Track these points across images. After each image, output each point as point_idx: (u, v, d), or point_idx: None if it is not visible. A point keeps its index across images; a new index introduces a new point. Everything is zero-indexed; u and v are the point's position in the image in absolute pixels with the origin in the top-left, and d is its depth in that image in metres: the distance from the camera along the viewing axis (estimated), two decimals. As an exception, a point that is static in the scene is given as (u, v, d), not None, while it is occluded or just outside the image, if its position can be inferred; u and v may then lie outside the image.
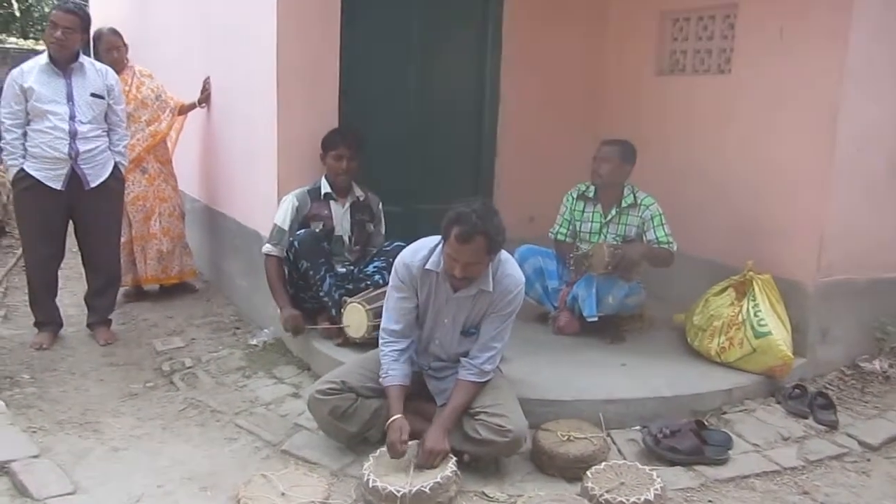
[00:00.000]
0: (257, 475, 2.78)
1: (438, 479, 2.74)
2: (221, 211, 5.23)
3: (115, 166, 4.29)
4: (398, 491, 2.69)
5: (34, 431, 3.27)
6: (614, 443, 3.22)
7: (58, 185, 4.08)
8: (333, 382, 3.06)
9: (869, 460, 3.22)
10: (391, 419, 2.91)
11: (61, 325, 4.48)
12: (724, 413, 3.49)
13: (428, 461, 2.82)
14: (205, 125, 5.43)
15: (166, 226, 5.13)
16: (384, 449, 2.90)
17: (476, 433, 2.92)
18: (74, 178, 4.11)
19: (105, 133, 4.24)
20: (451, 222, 2.85)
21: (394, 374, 3.01)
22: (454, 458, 2.88)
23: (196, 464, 3.07)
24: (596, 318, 3.86)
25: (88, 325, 4.53)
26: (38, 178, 4.04)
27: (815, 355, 3.91)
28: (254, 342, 4.29)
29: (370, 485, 2.74)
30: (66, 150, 4.04)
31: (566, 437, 3.03)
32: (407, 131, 4.68)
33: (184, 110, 5.33)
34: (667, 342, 4.07)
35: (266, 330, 4.35)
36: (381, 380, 3.02)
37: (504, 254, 3.07)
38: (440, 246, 2.99)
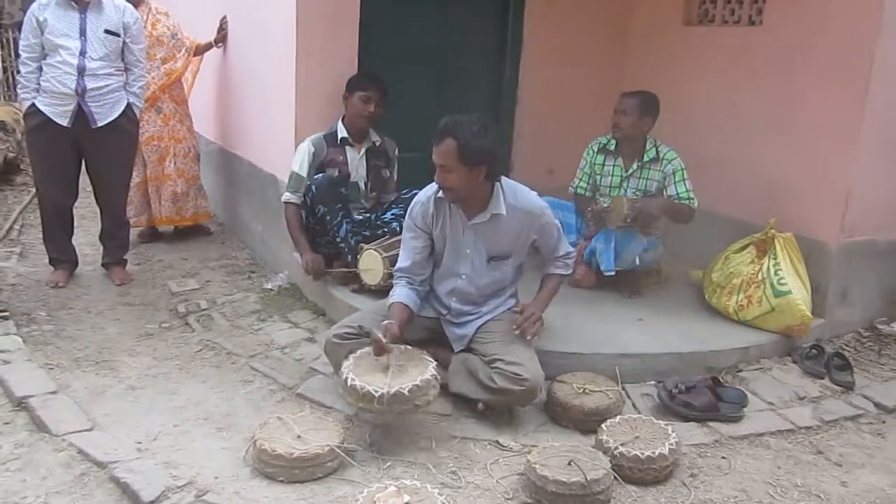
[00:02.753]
0: (273, 417, 2.79)
1: (418, 382, 2.69)
2: (236, 153, 5.18)
3: (128, 106, 4.23)
4: (376, 391, 2.66)
5: (51, 368, 3.30)
6: (629, 397, 3.21)
7: (64, 122, 4.04)
8: (350, 327, 3.05)
9: (884, 422, 3.21)
10: (384, 323, 2.89)
11: (76, 263, 4.49)
12: (740, 371, 3.47)
13: (528, 325, 2.97)
14: (221, 66, 5.35)
15: (181, 167, 5.10)
16: (365, 350, 2.85)
17: (492, 382, 2.91)
18: (81, 116, 4.06)
19: (119, 72, 4.18)
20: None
21: (399, 294, 3.05)
22: (434, 363, 2.84)
23: (212, 405, 3.09)
24: (613, 273, 3.82)
25: (103, 265, 4.53)
26: (47, 113, 4.01)
27: (833, 316, 3.87)
28: (269, 286, 4.29)
29: (349, 383, 2.71)
30: (73, 85, 3.99)
31: (581, 390, 3.02)
32: (426, 77, 4.58)
33: (200, 50, 5.24)
34: (683, 298, 4.04)
35: (281, 274, 4.35)
36: (388, 302, 3.05)
37: (520, 186, 3.11)
38: None
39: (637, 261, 3.83)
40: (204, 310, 4.01)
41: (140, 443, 2.77)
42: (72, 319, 3.86)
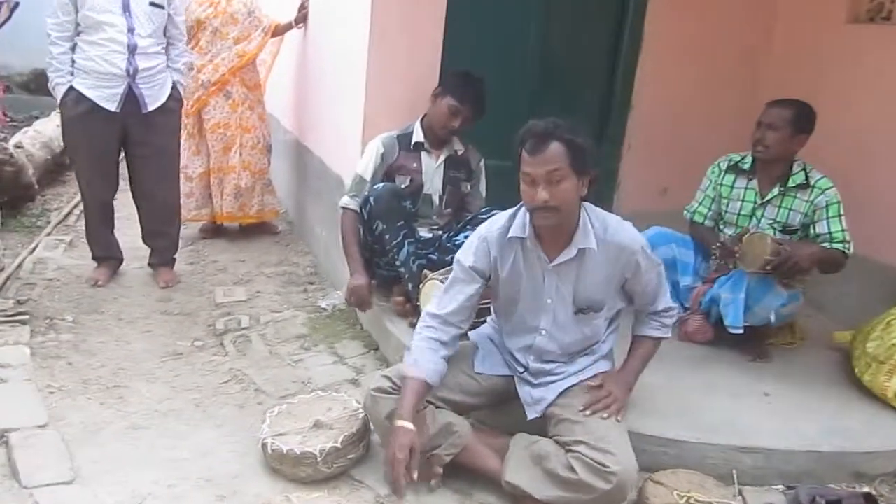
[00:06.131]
0: (280, 497, 2.20)
1: (337, 444, 2.41)
2: (309, 147, 4.65)
3: (174, 86, 3.76)
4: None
5: (52, 392, 2.84)
6: (747, 506, 2.45)
7: (112, 107, 3.58)
8: (395, 382, 2.41)
9: None
10: (398, 423, 2.22)
11: (121, 259, 4.08)
12: (901, 481, 2.64)
13: (599, 408, 2.33)
14: (300, 49, 4.83)
15: (247, 159, 4.60)
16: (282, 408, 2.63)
17: (570, 471, 2.20)
18: (131, 100, 3.60)
19: (164, 49, 3.71)
20: (521, 140, 2.23)
21: (421, 361, 2.32)
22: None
23: (220, 460, 2.53)
24: (741, 331, 3.03)
25: (150, 265, 4.10)
26: (91, 97, 3.54)
27: None
28: (323, 305, 3.75)
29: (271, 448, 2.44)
30: (123, 65, 3.52)
31: (685, 499, 2.28)
32: (523, 71, 3.86)
33: (279, 31, 4.72)
34: (824, 369, 3.19)
35: (338, 292, 3.78)
36: (403, 368, 2.35)
37: (609, 215, 2.39)
38: (521, 208, 2.34)
39: (773, 318, 3.02)
40: (243, 329, 3.49)
41: (121, 508, 2.25)
42: (98, 328, 3.42)
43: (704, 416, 2.69)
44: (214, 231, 4.81)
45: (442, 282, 2.94)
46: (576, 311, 2.38)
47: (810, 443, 2.60)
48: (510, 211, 2.39)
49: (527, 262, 2.35)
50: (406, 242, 3.13)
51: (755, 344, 3.19)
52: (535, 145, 2.17)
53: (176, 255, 4.13)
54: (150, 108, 3.67)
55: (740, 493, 2.45)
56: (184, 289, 3.95)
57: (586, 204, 2.35)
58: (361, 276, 3.16)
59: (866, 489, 2.53)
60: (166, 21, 3.67)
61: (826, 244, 3.05)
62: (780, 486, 2.54)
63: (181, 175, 4.58)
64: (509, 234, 2.33)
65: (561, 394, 2.42)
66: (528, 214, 2.30)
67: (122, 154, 3.87)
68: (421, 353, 2.33)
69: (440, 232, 3.38)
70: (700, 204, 3.40)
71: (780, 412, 2.78)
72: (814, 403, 2.87)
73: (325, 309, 3.70)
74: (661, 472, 2.41)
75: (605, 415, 2.30)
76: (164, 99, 3.70)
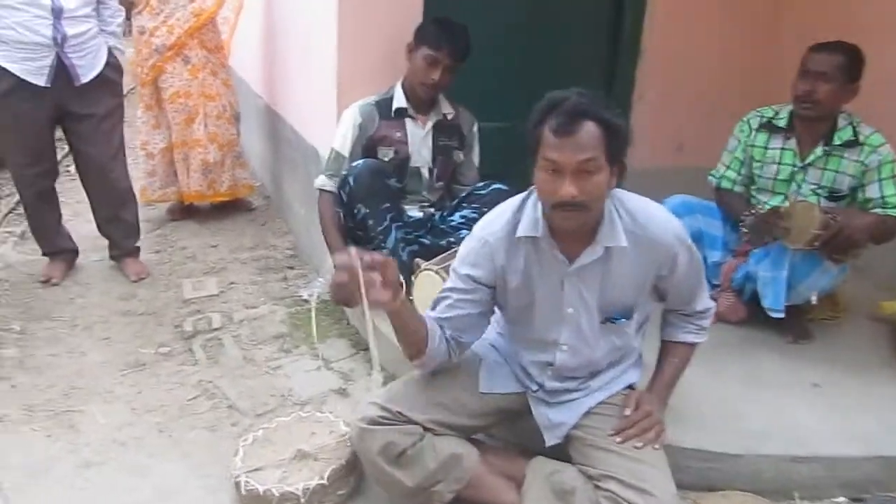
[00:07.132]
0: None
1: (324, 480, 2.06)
2: (280, 114, 4.18)
3: (110, 53, 3.30)
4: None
5: (-8, 423, 2.45)
6: (808, 528, 2.10)
7: (41, 81, 3.10)
8: (386, 410, 2.01)
9: None
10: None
11: (76, 252, 3.64)
12: (978, 483, 2.28)
13: (635, 432, 1.91)
14: (266, 4, 4.32)
15: (214, 130, 4.13)
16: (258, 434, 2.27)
17: None
18: (61, 72, 3.13)
19: (95, 11, 3.22)
20: (541, 116, 1.73)
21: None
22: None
23: (189, 499, 2.15)
24: (782, 315, 2.64)
25: (112, 257, 3.67)
26: (14, 71, 3.06)
27: None
28: (305, 295, 3.34)
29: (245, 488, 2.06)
30: (49, 32, 3.03)
31: (739, 531, 1.93)
32: (515, 16, 3.38)
33: (241, -18, 4.23)
34: (874, 346, 2.81)
35: (321, 280, 3.36)
36: None
37: (637, 198, 1.91)
38: (531, 197, 1.88)
39: (814, 299, 2.63)
40: (215, 330, 3.08)
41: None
42: (48, 338, 3.01)
43: (751, 418, 2.31)
44: (183, 212, 4.38)
45: (438, 273, 2.55)
46: (603, 320, 1.96)
47: (874, 447, 2.23)
48: (513, 202, 1.92)
49: (541, 266, 1.90)
50: (393, 227, 2.71)
51: (794, 322, 2.79)
52: (565, 125, 1.68)
53: (139, 243, 3.69)
54: (84, 79, 3.20)
55: (800, 513, 2.10)
56: (149, 283, 3.53)
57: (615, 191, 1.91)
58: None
59: (940, 496, 2.19)
60: None
61: (878, 210, 2.64)
62: (842, 499, 2.18)
63: (142, 152, 4.17)
64: (518, 234, 1.87)
65: (585, 414, 2.03)
66: (538, 207, 1.85)
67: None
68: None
69: (431, 210, 2.96)
70: (728, 168, 2.96)
71: (835, 407, 2.40)
72: (869, 393, 2.49)
73: (307, 300, 3.29)
74: (709, 494, 2.05)
75: (639, 444, 1.90)
76: (99, 68, 3.23)
